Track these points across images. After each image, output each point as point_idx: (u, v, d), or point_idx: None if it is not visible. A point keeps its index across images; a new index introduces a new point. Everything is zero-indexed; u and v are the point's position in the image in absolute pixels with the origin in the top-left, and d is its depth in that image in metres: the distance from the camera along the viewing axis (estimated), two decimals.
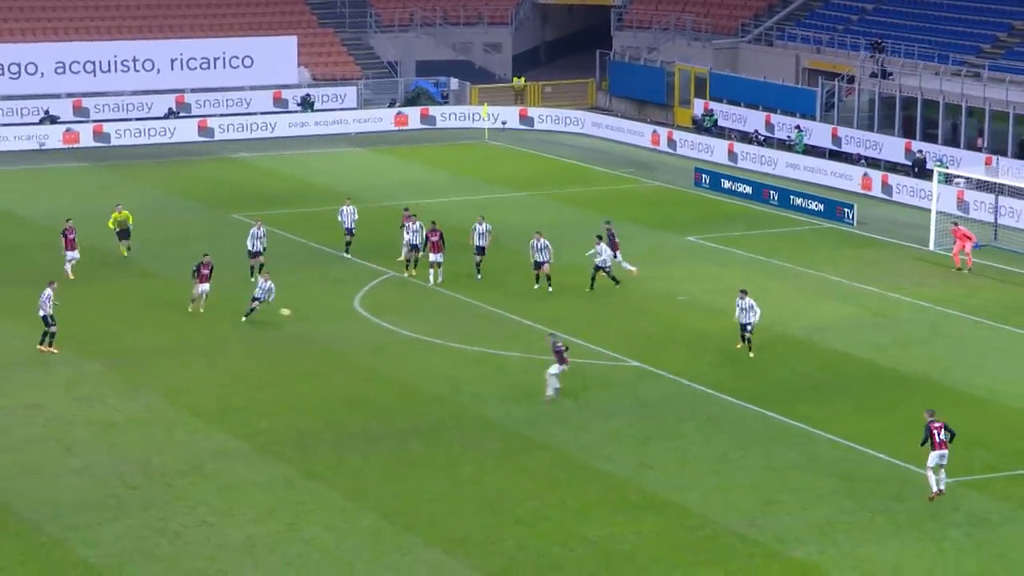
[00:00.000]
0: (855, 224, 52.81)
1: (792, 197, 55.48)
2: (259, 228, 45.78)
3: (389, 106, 72.05)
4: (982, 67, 61.20)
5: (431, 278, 45.07)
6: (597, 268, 43.97)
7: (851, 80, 64.32)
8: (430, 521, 29.64)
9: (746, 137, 65.10)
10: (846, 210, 53.48)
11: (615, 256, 44.76)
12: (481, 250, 45.19)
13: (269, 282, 41.28)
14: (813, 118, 64.57)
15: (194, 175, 61.25)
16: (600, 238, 44.32)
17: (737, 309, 38.41)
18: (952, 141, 59.72)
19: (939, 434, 29.94)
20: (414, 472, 32.05)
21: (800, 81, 68.16)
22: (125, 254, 47.41)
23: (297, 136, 68.27)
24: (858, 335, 40.74)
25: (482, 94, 73.45)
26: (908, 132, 61.35)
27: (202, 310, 41.95)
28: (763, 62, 69.96)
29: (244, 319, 41.21)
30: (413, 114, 70.59)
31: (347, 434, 34.13)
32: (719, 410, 35.47)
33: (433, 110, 70.96)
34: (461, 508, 30.24)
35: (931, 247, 49.67)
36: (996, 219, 51.17)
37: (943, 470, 30.06)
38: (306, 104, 70.52)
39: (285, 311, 40.20)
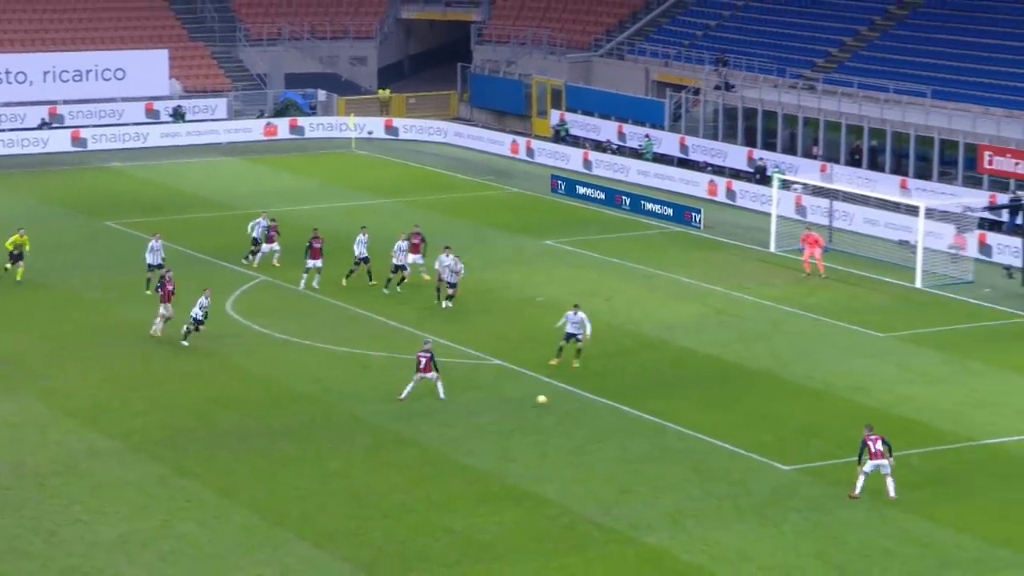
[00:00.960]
0: (702, 228, 53.41)
1: (643, 202, 55.96)
2: (156, 241, 44.57)
3: (259, 117, 71.36)
4: (817, 80, 62.28)
5: (302, 282, 44.59)
6: (449, 283, 42.61)
7: (697, 92, 65.05)
8: (300, 516, 29.35)
9: (600, 146, 65.52)
10: (693, 215, 54.07)
11: (419, 260, 44.24)
12: (398, 268, 43.94)
13: (208, 299, 39.00)
14: (662, 128, 65.19)
15: (68, 184, 60.01)
16: (448, 248, 43.19)
17: (568, 323, 37.58)
18: (790, 149, 60.66)
19: (875, 445, 29.90)
20: (285, 469, 31.71)
21: (650, 93, 68.79)
22: (18, 278, 45.06)
23: (169, 146, 67.24)
24: (705, 333, 41.20)
25: (349, 105, 73.03)
26: (750, 141, 62.21)
27: (160, 334, 39.51)
28: (615, 75, 70.50)
29: (184, 343, 38.76)
30: (282, 125, 69.98)
31: (219, 433, 33.66)
32: (577, 405, 35.61)
33: (301, 121, 70.38)
34: (330, 503, 30.00)
35: (772, 249, 50.41)
36: (831, 223, 52.08)
37: (890, 479, 29.90)
38: (178, 115, 69.53)
39: (542, 398, 35.22)
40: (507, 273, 46.88)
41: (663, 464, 32.01)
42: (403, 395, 35.34)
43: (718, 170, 61.05)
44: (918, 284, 46.11)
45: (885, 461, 29.91)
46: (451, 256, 42.73)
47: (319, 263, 44.32)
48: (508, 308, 43.38)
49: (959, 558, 27.55)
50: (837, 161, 57.83)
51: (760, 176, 58.24)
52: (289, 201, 56.72)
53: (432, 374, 35.30)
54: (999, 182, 52.64)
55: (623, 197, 56.76)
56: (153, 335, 39.63)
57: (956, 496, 30.24)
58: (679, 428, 34.02)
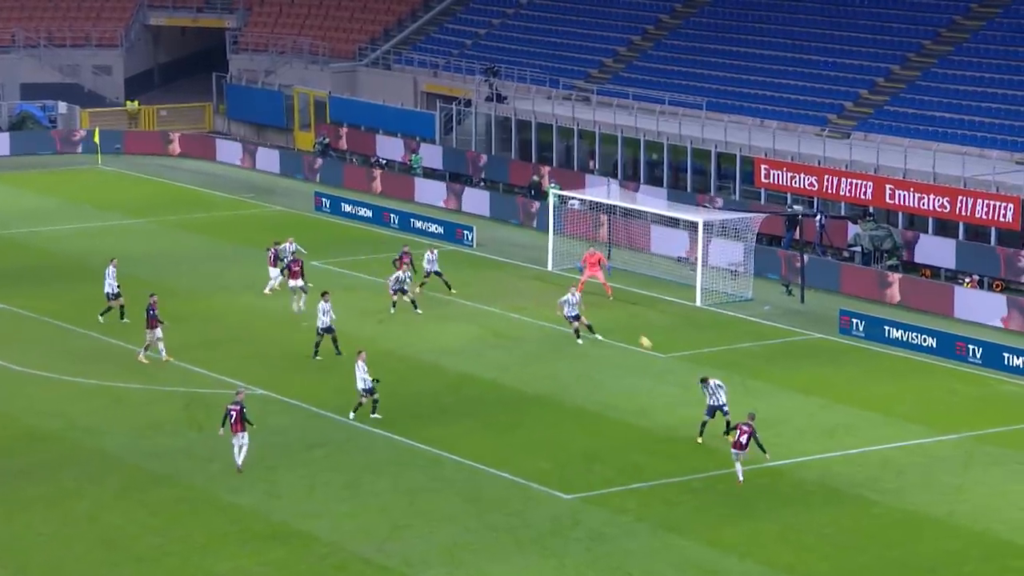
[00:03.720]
0: (474, 246, 53.72)
1: (412, 220, 56.01)
2: (113, 267, 43.29)
3: None
4: (591, 92, 63.31)
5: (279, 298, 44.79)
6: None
7: (468, 103, 65.47)
8: (44, 563, 28.43)
9: (367, 161, 65.35)
10: (465, 232, 54.34)
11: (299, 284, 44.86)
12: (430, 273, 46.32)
13: (364, 363, 36.02)
14: (432, 141, 65.40)
15: None
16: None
17: (706, 395, 34.83)
18: (566, 163, 61.50)
19: (739, 436, 32.53)
20: (26, 512, 30.67)
21: (419, 104, 69.00)
22: None
23: None
24: (482, 356, 41.39)
25: (93, 118, 71.34)
26: (525, 155, 62.88)
27: (151, 356, 39.49)
28: (382, 85, 70.51)
29: (351, 416, 35.72)
30: (18, 139, 68.00)
31: None
32: (347, 436, 35.37)
33: (41, 135, 68.50)
34: (77, 547, 29.13)
35: (549, 267, 50.99)
36: (610, 239, 52.93)
37: (739, 464, 32.55)
38: None
39: (646, 342, 40.55)
40: (271, 299, 46.29)
41: (439, 496, 32.00)
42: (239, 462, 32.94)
43: (492, 185, 61.50)
44: (698, 302, 47.19)
45: (742, 452, 32.51)
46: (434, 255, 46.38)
47: (300, 282, 44.55)
48: (271, 335, 42.85)
49: None
50: (614, 175, 58.79)
51: (535, 192, 58.85)
52: (31, 221, 55.07)
53: (242, 435, 32.58)
54: (776, 196, 54.30)
55: (391, 215, 56.72)
56: (140, 361, 39.54)
57: (739, 520, 30.96)
58: (455, 458, 34.06)
